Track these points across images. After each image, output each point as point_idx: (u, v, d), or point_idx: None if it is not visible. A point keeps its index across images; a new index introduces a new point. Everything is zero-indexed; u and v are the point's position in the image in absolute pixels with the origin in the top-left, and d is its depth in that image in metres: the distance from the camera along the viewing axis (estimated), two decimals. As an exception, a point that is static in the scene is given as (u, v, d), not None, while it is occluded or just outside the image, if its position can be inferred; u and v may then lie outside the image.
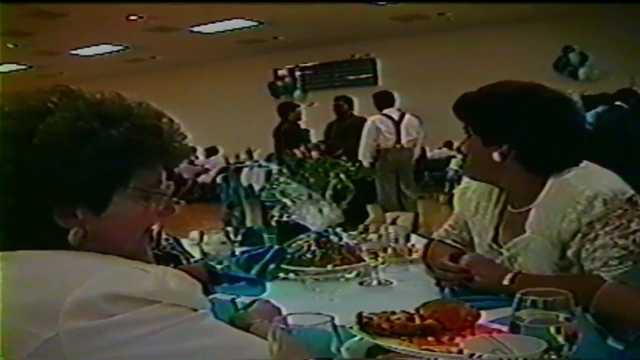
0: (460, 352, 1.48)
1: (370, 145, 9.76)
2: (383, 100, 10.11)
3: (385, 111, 9.92)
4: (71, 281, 1.24)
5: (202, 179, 17.97)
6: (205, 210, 13.95)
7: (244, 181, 12.48)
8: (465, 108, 2.46)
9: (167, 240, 2.72)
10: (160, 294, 1.26)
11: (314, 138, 12.58)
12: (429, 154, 14.71)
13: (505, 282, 2.21)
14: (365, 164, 9.53)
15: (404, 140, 9.86)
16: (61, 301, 1.21)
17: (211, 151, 18.78)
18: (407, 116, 9.93)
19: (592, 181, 2.24)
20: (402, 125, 9.85)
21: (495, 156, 2.36)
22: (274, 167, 10.29)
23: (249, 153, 17.63)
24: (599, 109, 9.20)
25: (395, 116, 9.90)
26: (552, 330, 1.30)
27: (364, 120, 10.22)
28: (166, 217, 1.53)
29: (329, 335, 1.26)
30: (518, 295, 1.38)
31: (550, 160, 2.34)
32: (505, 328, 1.53)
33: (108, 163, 1.34)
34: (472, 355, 1.20)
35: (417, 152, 10.52)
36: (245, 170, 13.36)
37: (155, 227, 2.66)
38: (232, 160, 17.77)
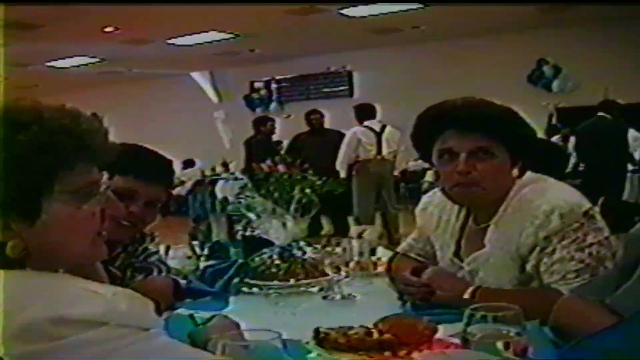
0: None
1: (349, 156, 9.79)
2: (364, 112, 10.15)
3: (367, 123, 9.95)
4: (16, 304, 1.22)
5: (177, 191, 17.90)
6: (181, 223, 13.89)
7: (218, 193, 12.46)
8: (498, 120, 2.34)
9: (145, 251, 2.69)
10: (110, 315, 1.24)
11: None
12: (404, 166, 14.75)
13: (466, 295, 2.21)
14: (342, 174, 9.57)
15: (384, 152, 9.88)
16: (6, 325, 1.19)
17: (188, 163, 18.71)
18: (388, 128, 9.95)
19: (548, 195, 2.25)
20: (383, 136, 9.88)
21: (514, 172, 2.35)
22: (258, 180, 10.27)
23: (225, 165, 17.61)
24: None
25: (377, 128, 9.92)
26: (500, 345, 1.31)
27: (338, 133, 10.26)
28: (113, 218, 1.50)
29: (278, 351, 1.25)
30: (468, 311, 1.38)
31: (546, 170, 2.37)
32: (460, 342, 1.54)
33: (23, 168, 1.31)
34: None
35: (399, 164, 10.53)
36: (220, 183, 13.35)
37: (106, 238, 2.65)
38: (208, 173, 17.73)
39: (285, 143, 12.30)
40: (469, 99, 2.42)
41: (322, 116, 11.04)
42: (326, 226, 10.38)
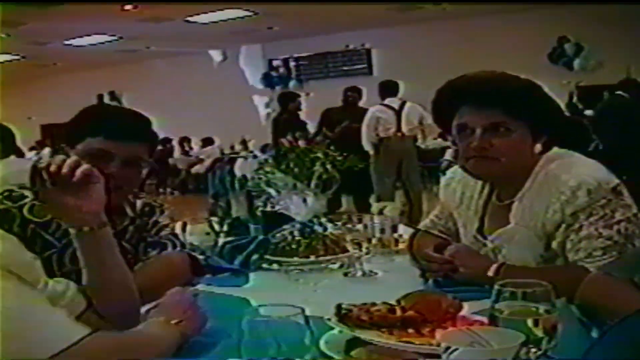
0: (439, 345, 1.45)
1: (370, 135, 9.73)
2: (386, 90, 10.06)
3: (387, 100, 9.88)
4: None
5: (195, 169, 17.95)
6: (200, 201, 13.96)
7: (237, 171, 12.48)
8: (516, 95, 2.28)
9: (155, 224, 2.67)
10: None
11: (310, 128, 12.59)
12: (423, 145, 14.68)
13: (490, 273, 2.18)
14: (371, 153, 9.55)
15: (404, 129, 9.81)
16: None
17: (207, 142, 18.75)
18: (408, 104, 9.85)
19: (575, 171, 2.22)
20: (403, 114, 9.80)
21: (538, 147, 2.31)
22: (269, 157, 10.26)
23: (244, 143, 17.63)
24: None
25: (396, 105, 9.84)
26: (530, 323, 1.27)
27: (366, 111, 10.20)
28: None
29: (301, 327, 1.22)
30: (496, 287, 1.35)
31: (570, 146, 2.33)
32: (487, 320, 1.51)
33: None
34: (447, 348, 1.17)
35: (423, 140, 10.43)
36: (239, 161, 13.36)
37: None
38: (227, 151, 17.76)
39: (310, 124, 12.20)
40: (487, 73, 2.38)
41: (360, 94, 10.89)
42: (346, 204, 10.34)
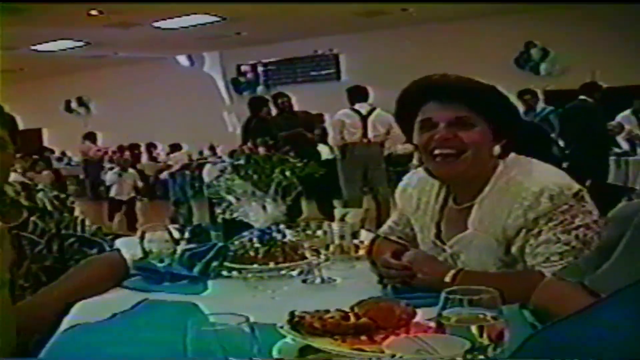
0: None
1: (335, 138, 9.75)
2: (356, 95, 10.08)
3: (356, 106, 9.90)
4: None
5: (163, 175, 17.85)
6: (168, 207, 13.90)
7: (206, 177, 12.45)
8: (478, 93, 2.34)
9: (96, 227, 2.71)
10: None
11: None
12: (392, 150, 14.72)
13: (447, 279, 2.19)
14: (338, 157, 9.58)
15: (370, 135, 9.82)
16: None
17: (175, 147, 18.67)
18: (377, 111, 9.88)
19: (538, 177, 2.24)
20: (370, 120, 9.82)
21: (497, 149, 2.33)
22: (238, 163, 10.25)
23: (212, 149, 17.58)
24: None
25: (364, 111, 9.86)
26: (474, 330, 1.28)
27: (305, 113, 10.24)
28: None
29: (247, 335, 1.22)
30: (443, 294, 1.36)
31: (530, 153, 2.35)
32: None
33: None
34: (393, 356, 1.18)
35: (392, 147, 10.47)
36: (207, 167, 13.33)
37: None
38: (195, 157, 17.70)
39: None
40: (450, 74, 2.41)
41: (289, 99, 10.94)
42: (309, 211, 10.35)
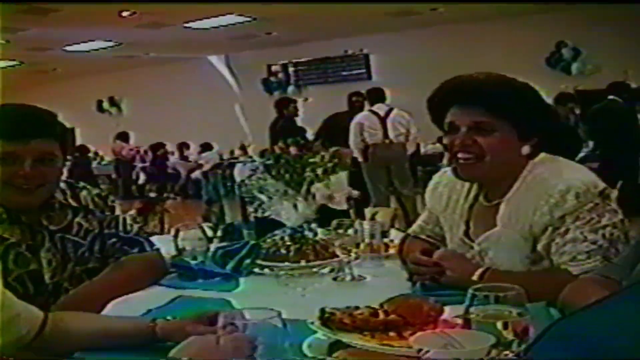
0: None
1: (357, 142, 9.77)
2: (374, 96, 10.11)
3: (374, 107, 9.93)
4: None
5: (195, 175, 17.98)
6: (199, 206, 13.98)
7: (237, 177, 12.50)
8: (501, 96, 2.34)
9: (138, 226, 2.75)
10: None
11: (310, 134, 12.63)
12: (422, 150, 14.69)
13: (475, 277, 2.21)
14: (360, 159, 9.59)
15: (391, 136, 9.84)
16: None
17: (205, 147, 18.77)
18: (395, 111, 9.92)
19: (564, 175, 2.25)
20: (389, 120, 9.84)
21: (525, 150, 2.34)
22: (269, 163, 10.26)
23: (243, 149, 17.66)
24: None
25: (382, 112, 9.89)
26: (500, 325, 1.31)
27: None
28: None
29: (279, 330, 1.26)
30: (470, 291, 1.39)
31: (560, 152, 2.36)
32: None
33: None
34: (419, 350, 1.21)
35: (411, 147, 10.48)
36: (238, 166, 13.39)
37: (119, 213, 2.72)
38: (226, 156, 17.79)
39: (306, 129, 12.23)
40: (480, 74, 2.43)
41: (364, 98, 10.83)
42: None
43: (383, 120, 9.82)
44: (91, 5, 12.52)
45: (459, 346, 1.22)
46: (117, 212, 2.73)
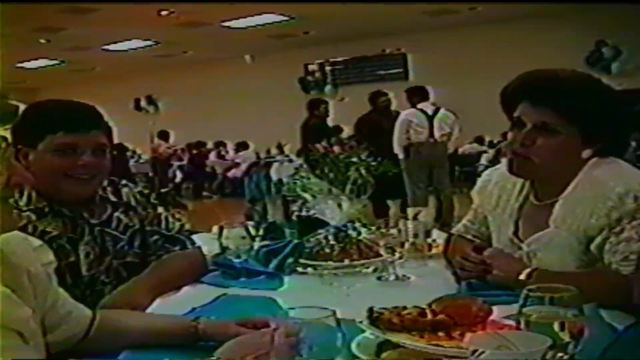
0: (469, 348, 1.47)
1: (402, 139, 9.73)
2: (416, 95, 10.06)
3: (420, 105, 9.88)
4: None
5: (232, 173, 18.04)
6: (236, 205, 14.04)
7: (273, 176, 12.53)
8: (572, 98, 2.27)
9: (179, 224, 2.75)
10: None
11: (346, 134, 12.64)
12: (459, 149, 14.64)
13: (522, 277, 2.19)
14: (400, 157, 9.54)
15: (437, 135, 9.81)
16: None
17: (242, 146, 18.83)
18: (442, 111, 9.88)
19: (622, 178, 2.21)
20: (436, 119, 9.81)
21: (586, 153, 2.29)
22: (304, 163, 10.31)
23: (280, 148, 17.68)
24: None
25: (429, 110, 9.84)
26: (557, 327, 1.29)
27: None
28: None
29: (333, 329, 1.26)
30: (524, 292, 1.37)
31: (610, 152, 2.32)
32: (516, 324, 1.53)
33: None
34: (474, 351, 1.20)
35: (451, 147, 10.46)
36: (275, 165, 13.42)
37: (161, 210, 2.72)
38: (262, 155, 17.83)
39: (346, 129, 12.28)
40: (560, 70, 2.38)
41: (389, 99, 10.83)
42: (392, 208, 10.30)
43: (430, 119, 9.78)
44: (130, 4, 12.62)
45: (514, 347, 1.21)
46: (160, 210, 2.73)
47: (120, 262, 2.58)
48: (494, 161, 12.19)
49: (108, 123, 2.62)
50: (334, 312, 1.25)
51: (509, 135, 2.38)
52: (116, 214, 2.62)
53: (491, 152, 14.79)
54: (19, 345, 1.28)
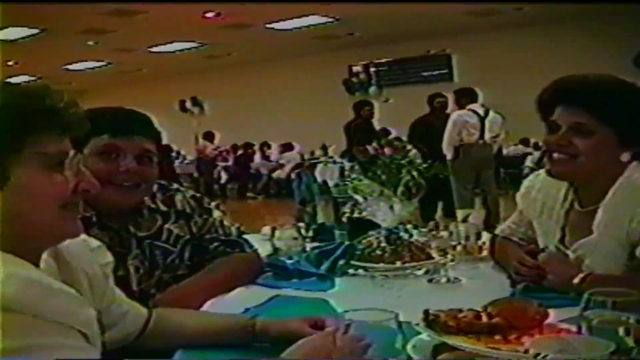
0: (527, 351, 1.46)
1: (454, 139, 9.68)
2: (465, 96, 10.02)
3: (472, 106, 9.83)
4: None
5: (277, 174, 18.10)
6: (281, 205, 14.09)
7: (318, 177, 12.56)
8: (607, 100, 2.28)
9: (236, 228, 2.75)
10: None
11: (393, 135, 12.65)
12: (504, 151, 14.54)
13: (576, 281, 2.17)
14: (449, 157, 9.50)
15: (487, 136, 9.76)
16: None
17: (286, 147, 18.89)
18: (492, 112, 9.83)
19: None
20: (487, 120, 9.76)
21: (625, 157, 2.28)
22: (349, 164, 10.32)
23: (324, 149, 17.70)
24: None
25: (481, 111, 9.80)
26: (621, 332, 1.28)
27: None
28: (87, 193, 1.46)
29: (393, 331, 1.26)
30: (586, 295, 1.36)
31: None
32: (574, 328, 1.52)
33: None
34: (537, 355, 1.20)
35: (496, 148, 10.41)
36: (319, 166, 13.45)
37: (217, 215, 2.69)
38: (307, 156, 17.86)
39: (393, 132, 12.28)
40: (592, 75, 2.39)
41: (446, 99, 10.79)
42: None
43: (482, 120, 9.73)
44: (176, 6, 12.72)
45: (576, 352, 1.20)
46: (215, 215, 2.70)
47: (171, 276, 2.53)
48: (539, 163, 12.06)
49: (157, 130, 2.58)
50: (397, 315, 1.25)
51: (546, 139, 2.37)
52: (166, 225, 2.57)
53: (536, 154, 14.67)
54: (84, 346, 1.29)
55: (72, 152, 1.43)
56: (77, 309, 1.30)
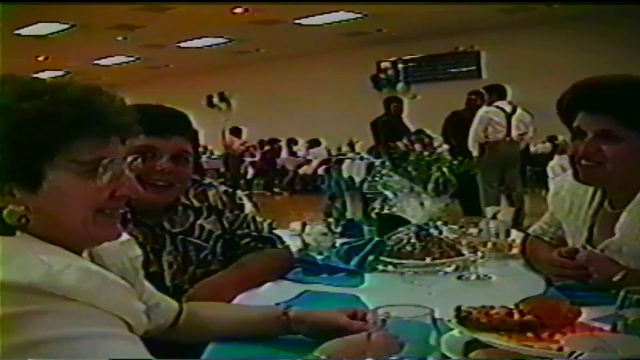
0: (560, 349, 1.45)
1: (479, 136, 9.65)
2: (494, 93, 9.98)
3: (499, 103, 9.79)
4: None
5: (303, 170, 18.12)
6: (307, 201, 14.11)
7: (345, 173, 12.55)
8: (631, 104, 2.22)
9: (267, 224, 2.75)
10: (47, 284, 1.20)
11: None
12: (532, 149, 14.43)
13: (616, 279, 2.14)
14: (474, 154, 9.46)
15: (514, 134, 9.72)
16: None
17: (313, 143, 18.90)
18: (519, 110, 9.79)
19: None
20: (514, 118, 9.72)
21: None
22: (376, 160, 10.30)
23: (351, 145, 17.70)
24: None
25: (508, 109, 9.76)
26: (657, 331, 1.27)
27: None
28: (127, 198, 1.46)
29: (427, 327, 1.26)
30: (622, 293, 1.35)
31: None
32: (607, 327, 1.51)
33: (26, 135, 1.30)
34: (571, 353, 1.19)
35: (523, 146, 10.37)
36: (346, 162, 13.44)
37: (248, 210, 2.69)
38: (334, 152, 17.86)
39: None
40: (615, 77, 2.35)
41: (482, 97, 10.63)
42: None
43: (509, 117, 9.68)
44: (205, 2, 12.76)
45: (611, 350, 1.19)
46: (247, 210, 2.70)
47: (204, 271, 2.54)
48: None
49: (194, 130, 2.61)
50: (432, 311, 1.25)
51: (571, 146, 2.34)
52: (199, 221, 2.58)
53: (557, 158, 14.55)
54: (131, 336, 1.31)
55: (119, 155, 1.43)
56: (129, 301, 1.32)
